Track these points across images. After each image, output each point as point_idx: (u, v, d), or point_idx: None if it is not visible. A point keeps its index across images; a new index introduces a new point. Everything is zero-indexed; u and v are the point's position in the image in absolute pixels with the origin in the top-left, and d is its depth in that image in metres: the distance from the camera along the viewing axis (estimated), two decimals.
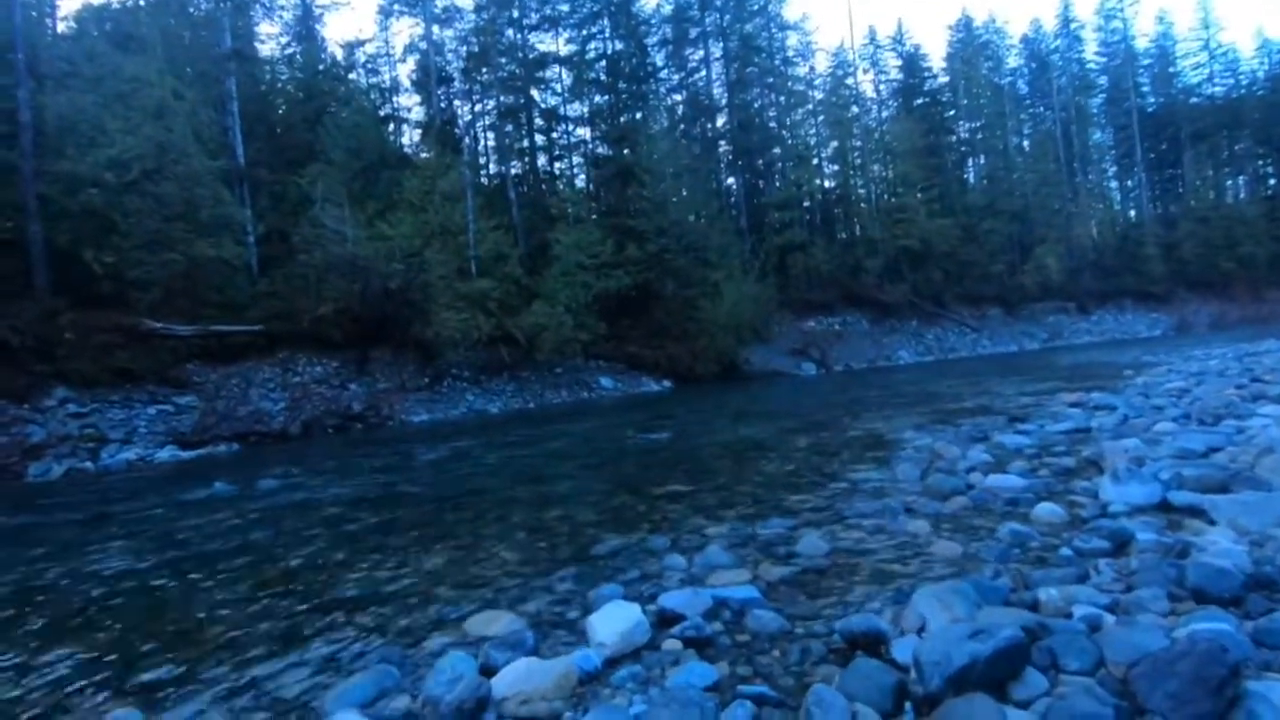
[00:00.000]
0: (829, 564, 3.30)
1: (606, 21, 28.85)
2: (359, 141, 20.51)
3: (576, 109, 29.85)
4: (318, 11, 26.41)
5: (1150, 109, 45.23)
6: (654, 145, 24.27)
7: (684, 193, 25.72)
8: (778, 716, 1.98)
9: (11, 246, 14.36)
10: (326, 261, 16.35)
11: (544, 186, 27.96)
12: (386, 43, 29.99)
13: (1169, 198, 45.43)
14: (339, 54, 26.56)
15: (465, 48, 28.32)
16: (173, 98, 15.31)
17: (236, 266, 16.32)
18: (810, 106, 34.55)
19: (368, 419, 14.83)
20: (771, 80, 32.51)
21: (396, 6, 28.93)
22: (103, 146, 13.96)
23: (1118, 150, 45.43)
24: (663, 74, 31.74)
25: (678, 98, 32.68)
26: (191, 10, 20.63)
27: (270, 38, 25.48)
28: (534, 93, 28.40)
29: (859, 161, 33.76)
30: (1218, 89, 46.97)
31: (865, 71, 38.96)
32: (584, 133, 30.15)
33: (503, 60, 26.93)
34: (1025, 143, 40.75)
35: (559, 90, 29.58)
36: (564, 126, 29.93)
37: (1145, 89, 45.88)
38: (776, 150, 32.02)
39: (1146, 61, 46.26)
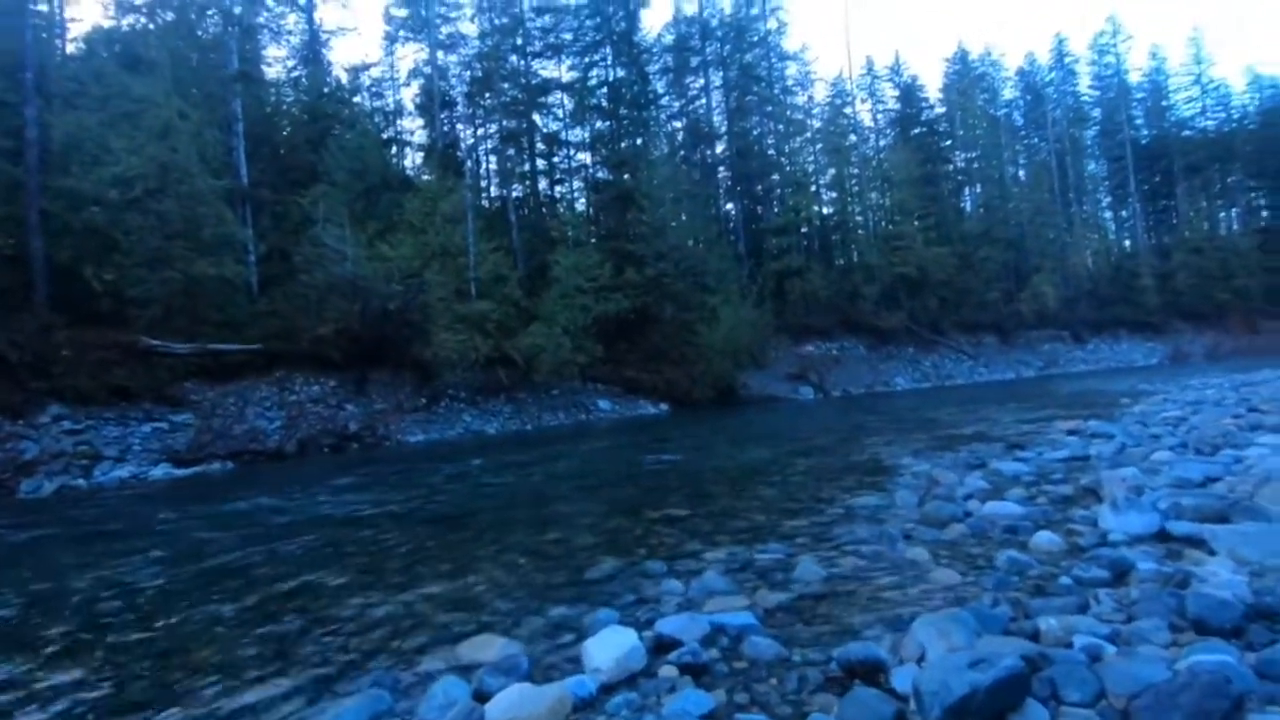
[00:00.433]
0: (827, 590, 3.27)
1: (609, 49, 29.31)
2: (362, 163, 20.68)
3: (578, 134, 30.21)
4: (324, 36, 26.79)
5: (1144, 141, 45.89)
6: (654, 171, 24.52)
7: (683, 218, 25.93)
8: None
9: (13, 262, 14.42)
10: (327, 281, 16.40)
11: (544, 210, 28.18)
12: (391, 67, 30.41)
13: (1163, 229, 45.89)
14: (344, 77, 26.90)
15: (469, 73, 28.73)
16: (178, 118, 15.45)
17: (237, 285, 16.38)
18: (809, 134, 34.98)
19: (364, 439, 14.76)
20: (770, 109, 32.96)
21: (402, 32, 29.41)
22: (107, 164, 14.07)
23: (1112, 181, 46.02)
24: (663, 101, 32.19)
25: (678, 124, 33.12)
26: (200, 33, 20.90)
27: (277, 60, 25.84)
28: (536, 118, 28.77)
29: (857, 189, 34.11)
30: (1210, 123, 47.72)
31: (863, 101, 39.61)
32: (585, 157, 30.49)
33: (505, 85, 27.29)
34: (1021, 173, 41.24)
35: (561, 115, 29.96)
36: (565, 151, 30.26)
37: (1139, 122, 46.60)
38: (775, 177, 32.36)
39: (1140, 95, 47.04)
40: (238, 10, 21.59)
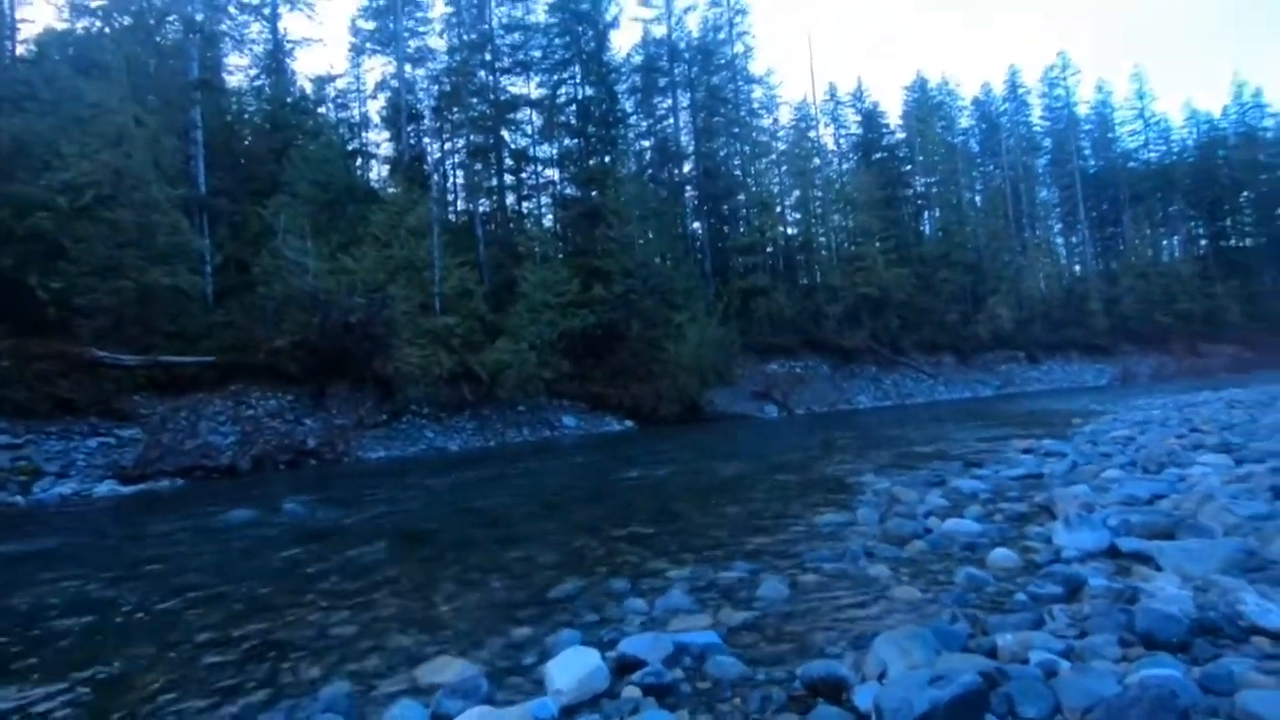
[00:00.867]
0: (790, 609, 3.28)
1: (578, 68, 29.50)
2: (325, 175, 20.40)
3: (546, 150, 30.27)
4: (289, 46, 26.44)
5: (1092, 171, 47.93)
6: (622, 188, 24.66)
7: (650, 235, 26.11)
8: None
9: None
10: (286, 293, 16.06)
11: (512, 225, 28.11)
12: (357, 79, 30.14)
13: (1110, 254, 47.79)
14: (309, 88, 26.57)
15: (437, 87, 28.63)
16: (134, 124, 15.05)
17: (191, 296, 15.90)
18: (774, 156, 35.62)
19: (322, 455, 14.41)
20: (737, 130, 33.50)
21: (369, 45, 29.18)
22: (56, 170, 13.60)
23: (1063, 208, 47.88)
24: (632, 120, 32.46)
25: (646, 143, 33.42)
26: (159, 39, 20.46)
27: (239, 69, 25.38)
28: (504, 133, 28.76)
29: (820, 211, 34.79)
30: (1152, 155, 50.13)
31: (826, 125, 40.62)
32: (553, 174, 30.54)
33: (474, 100, 27.27)
34: (977, 198, 42.58)
35: (529, 132, 30.00)
36: (533, 167, 30.28)
37: (1087, 152, 48.66)
38: (741, 197, 32.81)
39: (1088, 127, 49.17)
40: (199, 17, 21.21)
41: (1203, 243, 50.20)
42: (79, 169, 13.73)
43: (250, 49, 25.36)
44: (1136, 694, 1.85)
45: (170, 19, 20.84)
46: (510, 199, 29.85)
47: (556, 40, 29.34)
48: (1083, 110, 48.94)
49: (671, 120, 33.03)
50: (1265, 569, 3.04)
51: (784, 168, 35.76)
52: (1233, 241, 50.23)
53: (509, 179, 29.52)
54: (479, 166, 28.32)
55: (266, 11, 25.63)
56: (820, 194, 34.78)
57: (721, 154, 33.27)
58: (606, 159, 28.48)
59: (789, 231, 35.24)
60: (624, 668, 2.61)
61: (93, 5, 20.37)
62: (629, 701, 2.37)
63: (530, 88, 29.86)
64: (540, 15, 29.47)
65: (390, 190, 23.26)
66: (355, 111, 30.25)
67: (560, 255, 24.64)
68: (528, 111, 29.73)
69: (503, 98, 28.57)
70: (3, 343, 12.63)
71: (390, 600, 3.99)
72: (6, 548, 6.66)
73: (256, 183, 19.93)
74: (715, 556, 4.39)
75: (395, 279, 17.44)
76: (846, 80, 62.83)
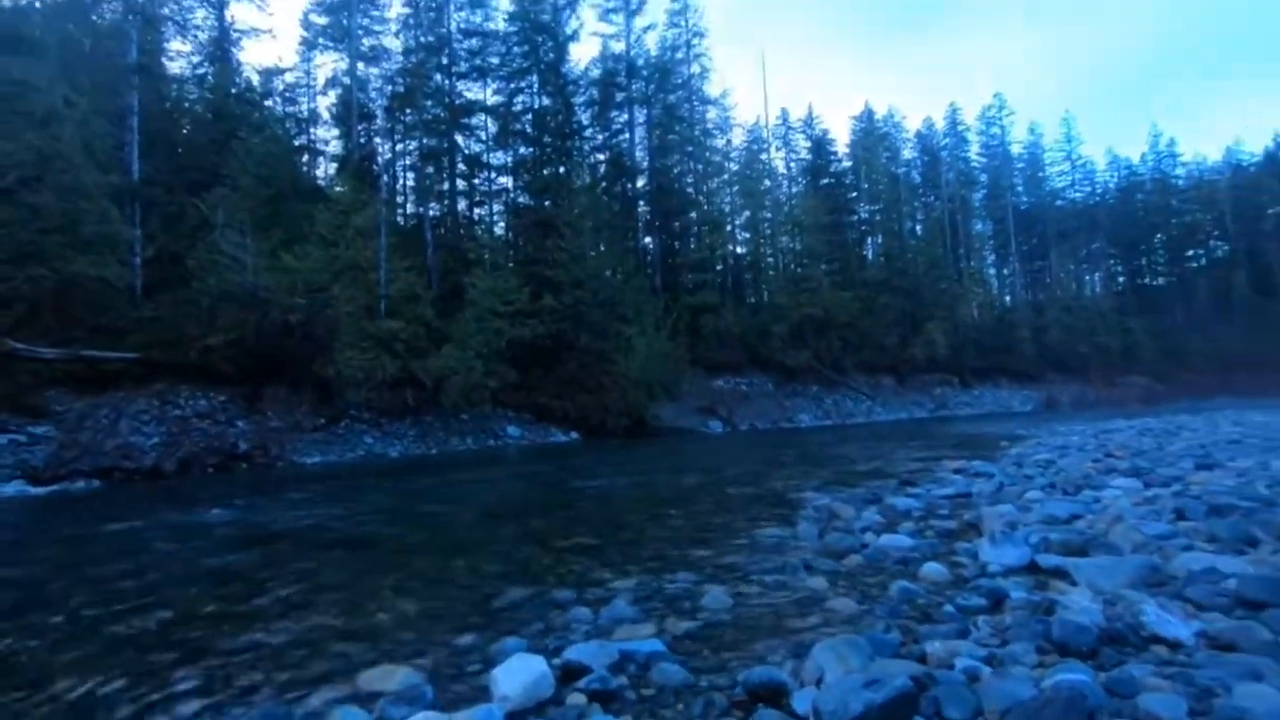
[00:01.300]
0: (733, 618, 3.37)
1: (535, 78, 29.50)
2: (269, 169, 19.77)
3: (500, 158, 30.08)
4: (235, 35, 25.60)
5: (1023, 207, 50.60)
6: (575, 199, 24.73)
7: (602, 248, 26.19)
8: None
9: None
10: (222, 289, 15.46)
11: (462, 231, 27.73)
12: (307, 74, 29.37)
13: (1038, 286, 50.42)
14: (256, 79, 25.76)
15: (390, 87, 28.14)
16: (64, 105, 14.32)
17: (118, 288, 15.16)
18: (726, 176, 36.35)
19: (254, 459, 13.87)
20: (691, 149, 34.03)
21: (321, 40, 28.51)
22: None
23: (996, 240, 50.33)
24: (587, 133, 32.58)
25: (601, 157, 33.57)
26: (95, 19, 19.55)
27: (181, 55, 24.38)
28: (458, 138, 28.45)
29: (769, 232, 35.64)
30: (1078, 195, 53.33)
31: (778, 149, 41.72)
32: (506, 181, 30.35)
33: (428, 104, 26.93)
34: (918, 227, 44.32)
35: (483, 138, 29.78)
36: (486, 174, 30.02)
37: (1019, 189, 51.36)
38: (693, 215, 33.28)
39: (1020, 165, 51.94)
40: None
41: (1121, 280, 53.56)
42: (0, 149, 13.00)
43: (194, 35, 24.46)
44: (1050, 697, 2.00)
45: None
46: (462, 204, 29.51)
47: (515, 49, 29.28)
48: (1016, 149, 51.74)
49: (627, 135, 33.32)
50: (1166, 584, 3.29)
51: (735, 188, 36.53)
52: (1147, 280, 53.74)
53: (461, 184, 29.19)
54: (431, 170, 27.95)
55: None
56: (770, 215, 35.64)
57: (675, 171, 33.71)
58: (561, 170, 28.52)
59: (738, 250, 36.00)
60: (569, 674, 2.64)
61: None
62: (574, 708, 2.40)
63: (487, 94, 29.67)
64: (500, 23, 29.42)
65: (338, 189, 22.70)
66: (304, 107, 29.48)
67: (510, 264, 24.47)
68: (483, 117, 29.52)
69: (458, 102, 28.29)
70: None
71: (329, 608, 3.90)
72: None
73: (195, 174, 19.18)
74: (659, 567, 4.45)
75: (339, 280, 17.01)
76: (798, 107, 64.66)
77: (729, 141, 37.86)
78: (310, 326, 15.69)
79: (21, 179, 13.07)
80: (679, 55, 34.27)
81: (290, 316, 15.44)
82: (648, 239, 33.33)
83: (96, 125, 15.84)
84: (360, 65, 27.56)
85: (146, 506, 8.38)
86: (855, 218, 41.70)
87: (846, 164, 42.43)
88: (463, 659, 2.98)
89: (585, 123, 32.28)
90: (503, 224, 30.28)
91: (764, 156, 39.11)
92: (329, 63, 28.77)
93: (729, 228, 35.50)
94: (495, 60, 29.30)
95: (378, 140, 28.25)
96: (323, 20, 28.09)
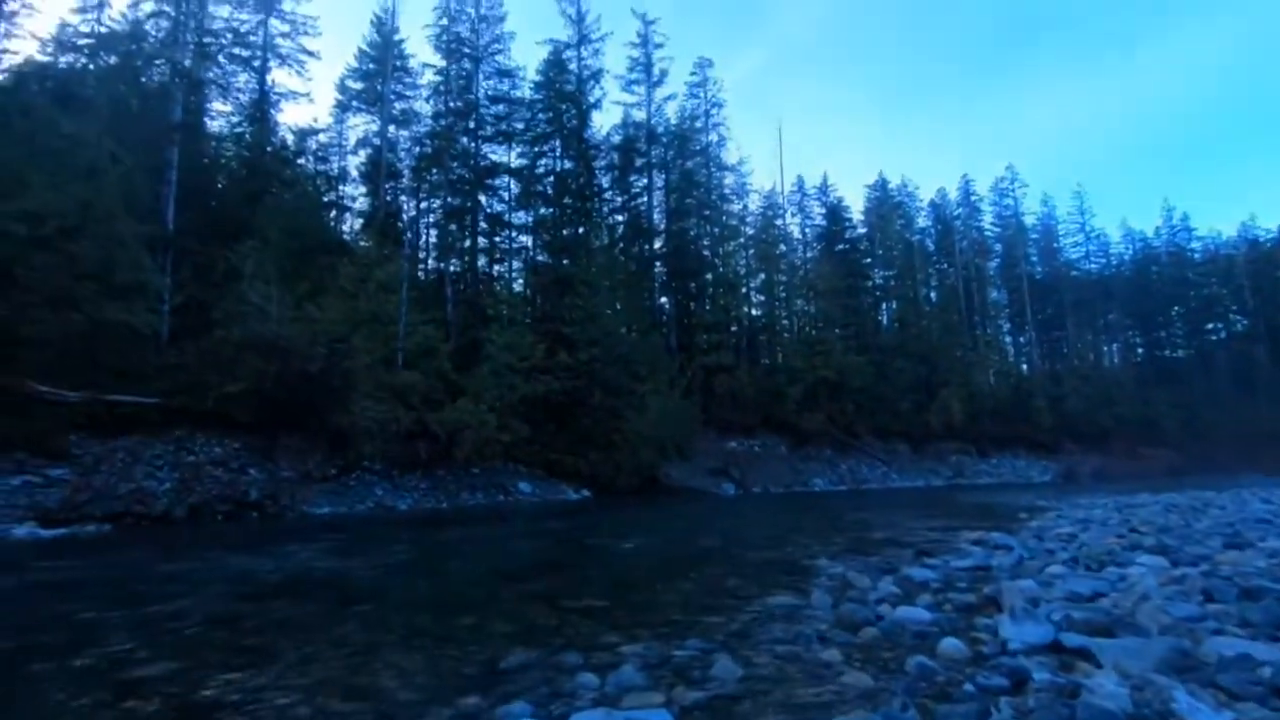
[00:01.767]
0: (743, 690, 3.27)
1: (558, 142, 30.55)
2: (298, 224, 20.43)
3: (521, 217, 30.91)
4: (275, 97, 26.90)
5: (1038, 276, 50.80)
6: (593, 259, 25.22)
7: (618, 306, 26.56)
8: None
9: None
10: (245, 338, 15.75)
11: (481, 287, 28.28)
12: (340, 134, 30.63)
13: (1055, 356, 50.12)
14: (291, 139, 26.87)
15: (418, 148, 29.27)
16: (109, 160, 14.99)
17: (145, 334, 15.50)
18: (742, 240, 36.99)
19: (265, 508, 13.85)
20: (708, 213, 34.79)
21: (355, 103, 29.85)
22: (17, 199, 13.36)
23: (1011, 309, 50.35)
24: (607, 195, 33.49)
25: (619, 218, 34.38)
26: (144, 80, 20.64)
27: (222, 115, 25.60)
28: (481, 197, 29.33)
29: (784, 295, 35.98)
30: (1093, 266, 53.53)
31: (793, 215, 42.53)
32: (526, 240, 31.10)
33: (454, 164, 27.90)
34: (932, 294, 44.56)
35: (506, 198, 30.68)
36: (507, 232, 30.82)
37: (1034, 259, 51.68)
38: (709, 276, 33.75)
39: (1034, 235, 52.42)
40: (187, 63, 21.55)
41: (1139, 351, 53.16)
42: (43, 199, 13.53)
43: (236, 97, 25.68)
44: None
45: (158, 62, 21.11)
46: (482, 261, 30.17)
47: (540, 115, 30.46)
48: (1029, 220, 52.34)
49: (645, 198, 34.17)
50: (1196, 669, 3.15)
51: (751, 251, 37.11)
52: (1166, 352, 53.26)
53: (482, 241, 29.93)
54: (454, 227, 28.72)
55: (256, 64, 26.15)
56: (785, 279, 36.05)
57: (692, 234, 34.38)
58: (580, 230, 29.18)
59: (753, 312, 36.29)
60: None
61: (79, 42, 20.60)
62: None
63: (510, 156, 30.74)
64: (526, 91, 30.72)
65: (362, 243, 23.35)
66: (334, 165, 30.61)
67: (528, 320, 24.81)
68: (506, 179, 30.49)
69: (483, 164, 29.29)
70: None
71: (331, 663, 3.83)
72: None
73: (227, 226, 19.81)
74: (669, 633, 4.34)
75: (359, 331, 17.31)
76: (813, 174, 66.27)
77: (745, 206, 38.77)
78: (328, 376, 15.88)
79: (62, 229, 13.57)
80: (698, 124, 35.45)
81: (309, 366, 15.65)
82: (664, 299, 33.76)
83: (137, 179, 16.53)
84: (391, 128, 28.73)
85: (154, 552, 8.35)
86: (870, 283, 42.04)
87: (861, 230, 43.06)
88: None
89: (605, 185, 33.22)
90: (521, 281, 30.85)
91: (779, 221, 39.88)
92: (361, 124, 30.05)
93: (744, 290, 35.91)
94: (520, 125, 30.47)
95: (403, 198, 29.22)
96: (358, 85, 29.47)
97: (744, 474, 24.82)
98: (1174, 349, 53.66)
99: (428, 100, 30.10)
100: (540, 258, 30.32)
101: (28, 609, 5.42)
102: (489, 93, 30.09)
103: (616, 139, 33.70)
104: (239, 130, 25.75)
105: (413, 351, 19.34)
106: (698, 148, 35.07)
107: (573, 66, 30.83)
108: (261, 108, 26.19)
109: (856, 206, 44.28)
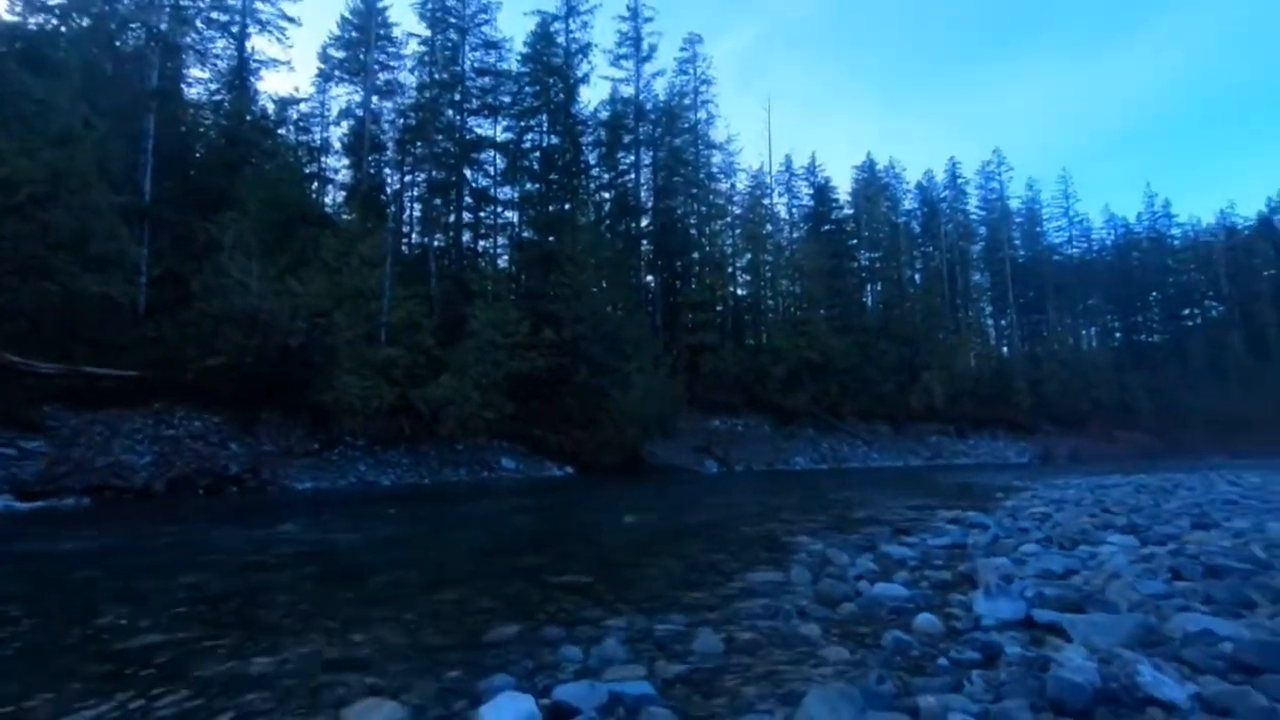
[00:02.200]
0: (724, 663, 3.32)
1: (545, 117, 30.17)
2: (279, 195, 20.06)
3: (507, 193, 30.62)
4: (254, 65, 26.23)
5: (1021, 260, 51.24)
6: (579, 236, 25.05)
7: (604, 284, 26.45)
8: None
9: None
10: (225, 311, 15.54)
11: (466, 262, 28.05)
12: (322, 104, 30.05)
13: (1035, 339, 50.76)
14: (271, 108, 26.29)
15: (402, 120, 28.76)
16: (82, 126, 14.59)
17: (121, 306, 15.24)
18: (729, 219, 36.89)
19: (245, 482, 13.77)
20: (695, 191, 34.62)
21: (338, 73, 29.23)
22: None
23: (993, 292, 50.82)
24: (594, 171, 33.21)
25: (606, 195, 34.16)
26: (119, 44, 20.02)
27: (199, 82, 24.97)
28: (466, 172, 28.96)
29: (770, 275, 35.99)
30: (1075, 250, 54.06)
31: (780, 195, 42.44)
32: (511, 216, 30.84)
33: (439, 138, 27.47)
34: (917, 276, 44.83)
35: (491, 173, 30.32)
36: (492, 208, 30.50)
37: (1017, 242, 52.10)
38: (695, 255, 33.70)
39: (1018, 219, 52.76)
40: (163, 27, 20.92)
41: (1117, 335, 53.95)
42: (15, 165, 13.18)
43: (214, 64, 25.05)
44: None
45: (133, 26, 20.48)
46: (467, 236, 29.90)
47: (527, 89, 30.02)
48: (1014, 204, 52.65)
49: (632, 176, 33.93)
50: (1162, 644, 3.25)
51: (738, 231, 37.04)
52: (1143, 336, 54.13)
53: (467, 217, 29.63)
54: (438, 202, 28.38)
55: (235, 29, 25.46)
56: (771, 259, 36.04)
57: (679, 212, 34.23)
58: (566, 206, 28.97)
59: (739, 292, 36.32)
60: (558, 715, 2.60)
61: (50, 2, 19.90)
62: None
63: (496, 131, 30.35)
64: (513, 64, 30.21)
65: (345, 217, 23.00)
66: (317, 136, 30.04)
67: (512, 296, 24.68)
68: (492, 153, 30.12)
69: (468, 137, 28.87)
70: None
71: (314, 637, 3.84)
72: None
73: (205, 196, 19.44)
74: (651, 608, 4.40)
75: (341, 306, 17.11)
76: (801, 154, 66.01)
77: (732, 185, 38.62)
78: (309, 352, 15.73)
79: (34, 196, 13.23)
80: (686, 101, 35.12)
81: (290, 341, 15.49)
82: (649, 277, 33.69)
83: (112, 146, 16.11)
84: (374, 98, 28.19)
85: (135, 526, 8.29)
86: (855, 264, 42.21)
87: (848, 212, 43.11)
88: (450, 695, 2.93)
89: (592, 162, 32.93)
90: (506, 257, 30.64)
91: (766, 201, 39.78)
92: (343, 94, 29.49)
93: (730, 269, 35.90)
94: (506, 99, 30.02)
95: (387, 171, 28.77)
96: (340, 54, 28.85)
97: (727, 452, 25.02)
98: (1150, 334, 54.56)
99: (412, 71, 29.58)
100: (526, 234, 30.09)
101: (11, 581, 5.37)
102: (475, 65, 29.60)
103: (604, 115, 33.37)
104: (217, 98, 25.15)
105: (396, 327, 19.18)
106: (686, 125, 34.81)
107: (560, 39, 30.39)
108: (241, 75, 25.55)
109: (844, 188, 44.36)
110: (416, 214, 29.83)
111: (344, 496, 13.38)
